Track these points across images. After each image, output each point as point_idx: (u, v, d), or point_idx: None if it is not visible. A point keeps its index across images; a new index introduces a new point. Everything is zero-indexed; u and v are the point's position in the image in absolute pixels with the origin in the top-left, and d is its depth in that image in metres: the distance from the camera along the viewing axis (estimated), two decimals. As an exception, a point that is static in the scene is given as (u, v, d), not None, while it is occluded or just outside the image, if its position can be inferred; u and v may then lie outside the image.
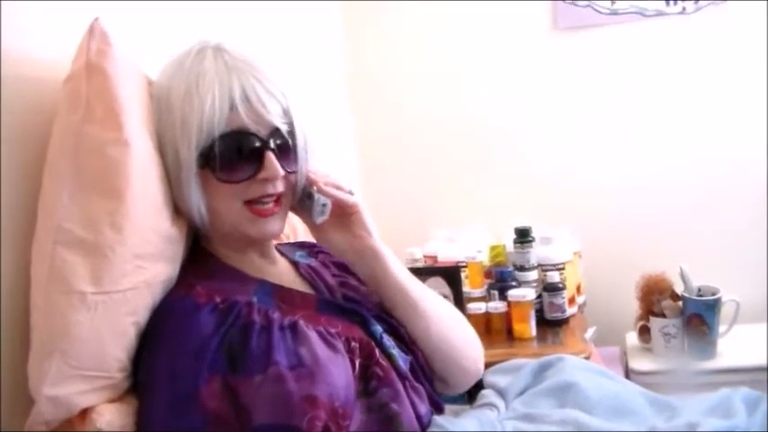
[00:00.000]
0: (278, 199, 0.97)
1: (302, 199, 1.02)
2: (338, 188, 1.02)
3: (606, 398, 1.06)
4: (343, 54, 2.24)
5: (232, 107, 0.91)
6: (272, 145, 0.93)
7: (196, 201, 0.94)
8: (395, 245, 2.13)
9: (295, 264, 1.09)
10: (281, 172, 0.93)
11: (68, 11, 0.98)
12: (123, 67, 0.92)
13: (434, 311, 1.08)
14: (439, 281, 1.84)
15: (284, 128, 0.94)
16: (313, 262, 1.12)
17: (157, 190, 0.93)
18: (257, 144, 0.92)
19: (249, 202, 0.94)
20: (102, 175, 0.88)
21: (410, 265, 1.98)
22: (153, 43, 1.07)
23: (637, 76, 2.13)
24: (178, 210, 0.97)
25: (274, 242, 1.08)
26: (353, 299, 1.05)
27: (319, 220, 1.01)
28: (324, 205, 1.01)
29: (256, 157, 0.93)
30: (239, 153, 0.92)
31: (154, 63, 0.98)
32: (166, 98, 0.94)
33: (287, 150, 0.96)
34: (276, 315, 0.93)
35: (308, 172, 1.00)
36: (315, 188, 1.00)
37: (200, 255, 1.01)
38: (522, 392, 1.10)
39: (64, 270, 0.85)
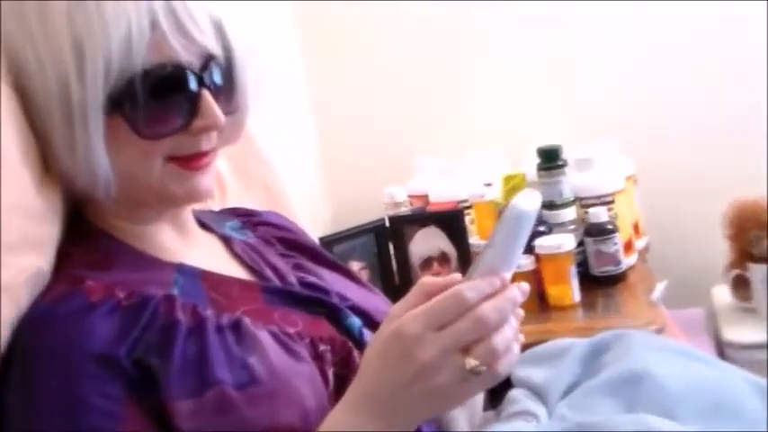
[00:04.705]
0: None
1: None
2: None
3: (695, 391, 1.05)
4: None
5: (154, 24, 0.91)
6: (207, 81, 0.95)
7: (101, 161, 0.93)
8: (369, 183, 2.22)
9: (226, 240, 1.12)
10: (222, 118, 0.95)
11: None
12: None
13: None
14: (433, 232, 1.86)
15: (222, 54, 0.97)
16: (250, 237, 1.15)
17: (12, 147, 0.92)
18: (192, 81, 0.94)
19: (174, 157, 0.96)
20: None
21: (391, 212, 1.99)
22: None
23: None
24: (48, 172, 0.96)
25: (191, 207, 1.10)
26: (316, 285, 1.08)
27: None
28: None
29: (189, 100, 0.95)
30: (166, 95, 0.93)
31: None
32: (38, 9, 0.92)
33: (227, 87, 0.99)
34: (209, 312, 0.94)
35: None
36: None
37: (88, 233, 1.01)
38: (569, 390, 1.11)
39: None
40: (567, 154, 1.91)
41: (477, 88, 2.28)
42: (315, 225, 1.97)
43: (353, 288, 1.13)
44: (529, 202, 0.83)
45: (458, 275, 0.88)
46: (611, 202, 1.92)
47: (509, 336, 0.83)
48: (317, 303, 1.04)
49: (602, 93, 2.22)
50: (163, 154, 0.95)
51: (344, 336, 1.01)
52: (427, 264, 1.90)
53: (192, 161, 0.97)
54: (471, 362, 0.81)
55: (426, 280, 0.87)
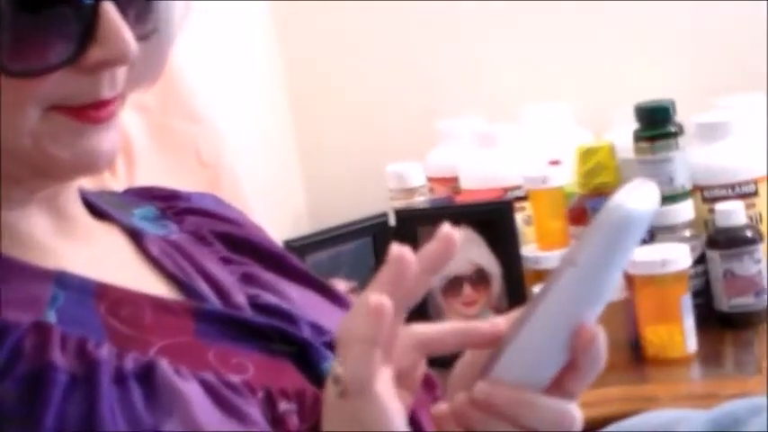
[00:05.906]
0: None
1: None
2: None
3: None
4: None
5: None
6: None
7: None
8: (365, 159, 2.16)
9: (135, 235, 1.10)
10: (132, 45, 0.93)
11: None
12: None
13: None
14: (465, 236, 1.77)
15: None
16: (174, 231, 1.13)
17: None
18: None
19: (59, 107, 0.95)
20: None
21: (400, 203, 1.94)
22: None
23: None
24: None
25: (77, 184, 1.08)
26: (276, 308, 1.06)
27: None
28: None
29: (81, 17, 0.91)
30: (47, 9, 0.91)
31: None
32: None
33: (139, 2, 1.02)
34: (106, 350, 0.91)
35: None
36: None
37: None
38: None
39: None
40: (682, 116, 1.88)
41: (536, 13, 2.18)
42: (280, 221, 2.00)
43: (335, 315, 1.09)
44: (640, 199, 0.78)
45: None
46: (754, 194, 1.88)
47: None
48: (277, 337, 1.01)
49: (742, 21, 2.10)
50: (42, 101, 0.92)
51: (318, 388, 0.97)
52: (454, 286, 1.80)
53: (88, 109, 0.93)
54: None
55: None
